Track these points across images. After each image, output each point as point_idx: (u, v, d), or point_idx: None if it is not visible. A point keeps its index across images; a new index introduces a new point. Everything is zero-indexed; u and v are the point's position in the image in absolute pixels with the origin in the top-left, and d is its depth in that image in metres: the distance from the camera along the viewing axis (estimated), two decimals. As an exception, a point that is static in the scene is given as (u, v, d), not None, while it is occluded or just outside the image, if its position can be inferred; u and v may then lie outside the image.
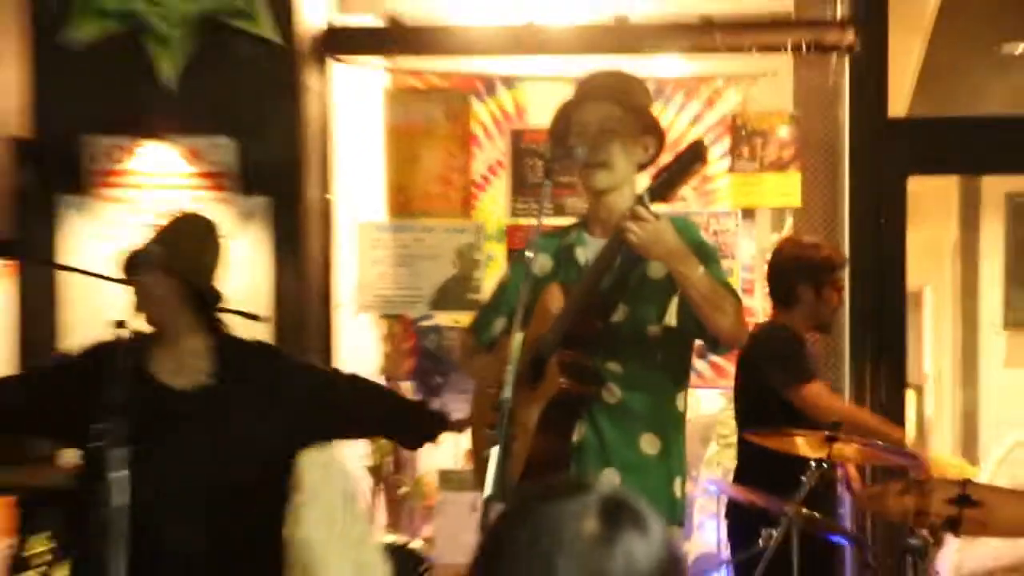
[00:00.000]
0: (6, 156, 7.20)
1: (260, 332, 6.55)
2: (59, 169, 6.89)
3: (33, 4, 7.02)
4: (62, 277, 6.84)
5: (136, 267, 4.54)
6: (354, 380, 4.89)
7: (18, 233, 6.93)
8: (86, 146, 6.88)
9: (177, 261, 4.49)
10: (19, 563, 5.52)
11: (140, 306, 4.53)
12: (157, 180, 6.92)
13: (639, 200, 4.11)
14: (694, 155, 4.13)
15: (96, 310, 6.60)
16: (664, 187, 4.11)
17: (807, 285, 6.26)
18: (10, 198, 7.16)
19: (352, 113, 7.61)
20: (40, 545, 5.81)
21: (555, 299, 4.32)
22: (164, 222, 4.67)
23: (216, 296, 4.54)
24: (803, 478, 5.28)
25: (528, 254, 4.13)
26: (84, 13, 6.90)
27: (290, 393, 4.55)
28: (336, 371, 5.06)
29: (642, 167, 4.46)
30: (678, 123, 7.27)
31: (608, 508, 1.61)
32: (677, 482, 4.40)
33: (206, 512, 4.42)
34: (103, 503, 4.04)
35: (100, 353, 4.55)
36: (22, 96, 7.03)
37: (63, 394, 4.45)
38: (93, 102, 6.93)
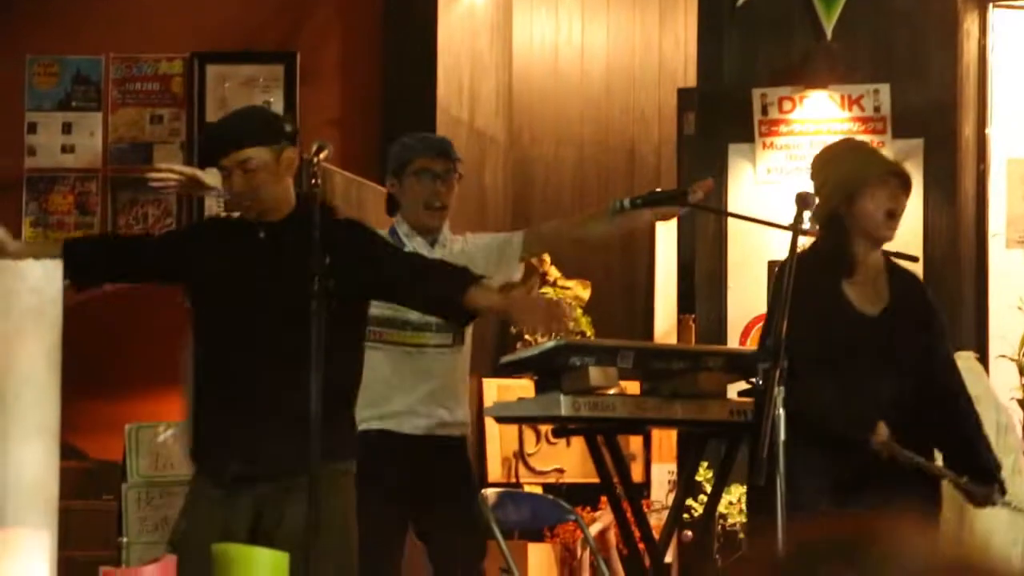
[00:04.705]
0: (676, 106, 7.35)
1: (912, 269, 6.42)
2: (729, 118, 6.96)
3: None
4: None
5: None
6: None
7: (686, 179, 7.04)
8: (756, 97, 6.91)
9: None
10: (685, 487, 5.60)
11: None
12: (816, 127, 6.86)
13: None
14: None
15: (757, 249, 6.74)
16: None
17: None
18: (679, 146, 7.30)
19: (1009, 53, 7.27)
20: (702, 474, 5.94)
21: None
22: None
23: None
24: None
25: None
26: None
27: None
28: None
29: None
30: None
31: None
32: None
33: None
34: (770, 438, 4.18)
35: None
36: (692, 49, 7.13)
37: None
38: (758, 54, 6.97)
